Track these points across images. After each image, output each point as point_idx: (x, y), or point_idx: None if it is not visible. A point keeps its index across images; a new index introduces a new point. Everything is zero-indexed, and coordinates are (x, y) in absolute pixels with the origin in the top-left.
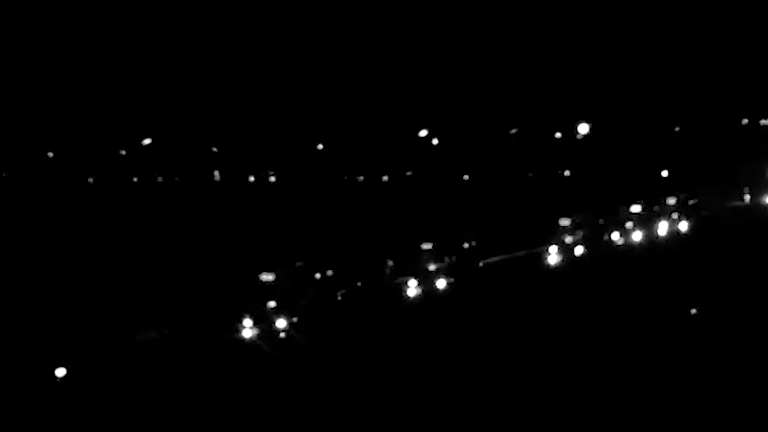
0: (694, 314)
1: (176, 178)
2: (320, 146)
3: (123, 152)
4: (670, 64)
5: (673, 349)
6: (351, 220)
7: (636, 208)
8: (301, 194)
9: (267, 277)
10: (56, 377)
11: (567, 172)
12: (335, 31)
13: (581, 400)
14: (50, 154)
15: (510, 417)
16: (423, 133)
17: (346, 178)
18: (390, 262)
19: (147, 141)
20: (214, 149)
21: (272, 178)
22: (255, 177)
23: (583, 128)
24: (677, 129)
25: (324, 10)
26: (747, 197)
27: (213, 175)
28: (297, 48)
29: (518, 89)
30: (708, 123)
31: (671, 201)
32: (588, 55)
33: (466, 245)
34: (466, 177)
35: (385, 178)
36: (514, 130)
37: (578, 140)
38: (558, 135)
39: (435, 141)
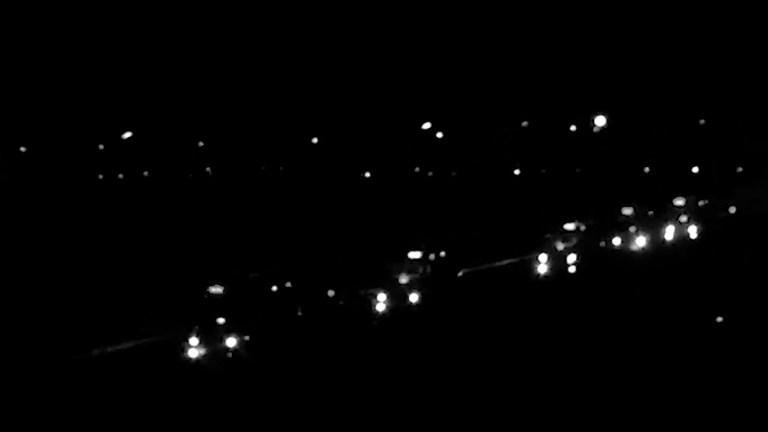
0: (720, 323)
1: (99, 178)
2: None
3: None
4: (677, 57)
5: (685, 374)
6: (314, 223)
7: (640, 211)
8: (255, 195)
9: (216, 289)
10: None
11: (561, 171)
12: (332, 17)
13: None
14: (22, 149)
15: None
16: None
17: (310, 176)
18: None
19: (127, 135)
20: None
21: (218, 178)
22: (199, 176)
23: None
24: (681, 127)
25: None
26: None
27: (152, 176)
28: (292, 36)
29: (515, 84)
30: (717, 120)
31: (678, 202)
32: (591, 48)
33: (442, 253)
34: (442, 175)
35: (356, 177)
36: (507, 125)
37: (575, 137)
38: (554, 131)
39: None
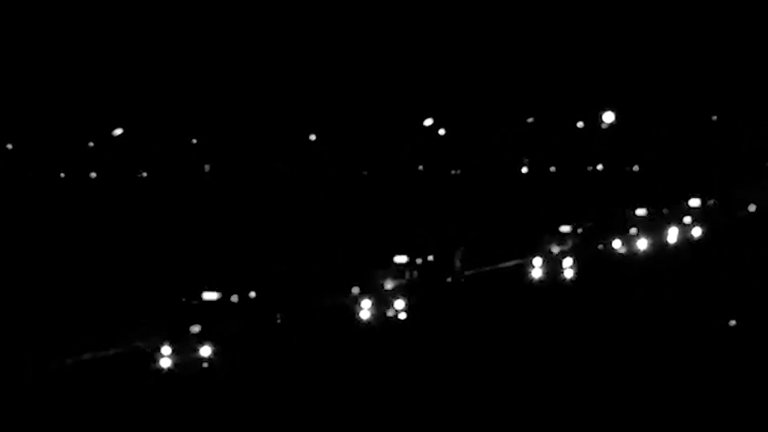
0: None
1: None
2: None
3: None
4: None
5: (686, 376)
6: (294, 226)
7: (641, 212)
8: (238, 196)
9: (211, 295)
10: None
11: (559, 170)
12: (331, 13)
13: None
14: (9, 146)
15: None
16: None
17: (301, 175)
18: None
19: (118, 131)
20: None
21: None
22: (177, 179)
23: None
24: (682, 127)
25: None
26: None
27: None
28: (289, 30)
29: (521, 81)
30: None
31: (681, 203)
32: (593, 45)
33: (430, 257)
34: (429, 174)
35: (340, 178)
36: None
37: (574, 135)
38: (554, 129)
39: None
